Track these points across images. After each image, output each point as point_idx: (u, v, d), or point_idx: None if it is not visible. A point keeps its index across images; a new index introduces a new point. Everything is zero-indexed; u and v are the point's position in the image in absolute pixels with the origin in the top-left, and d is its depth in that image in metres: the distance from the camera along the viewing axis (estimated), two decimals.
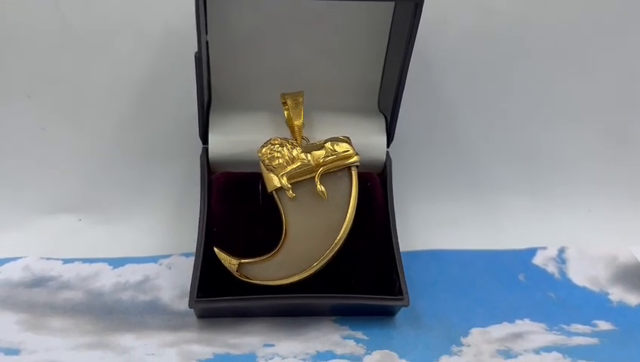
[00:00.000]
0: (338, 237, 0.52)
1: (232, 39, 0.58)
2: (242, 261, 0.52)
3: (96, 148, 0.63)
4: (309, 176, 0.53)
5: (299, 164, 0.53)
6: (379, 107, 0.63)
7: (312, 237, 0.53)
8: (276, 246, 0.53)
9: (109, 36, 0.60)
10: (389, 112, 0.59)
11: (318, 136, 0.58)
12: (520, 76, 0.65)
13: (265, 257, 0.53)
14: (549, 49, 0.64)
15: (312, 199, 0.53)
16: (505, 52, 0.64)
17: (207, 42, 0.56)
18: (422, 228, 0.65)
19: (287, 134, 0.57)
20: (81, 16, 0.59)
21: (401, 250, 0.56)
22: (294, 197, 0.53)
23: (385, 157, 0.60)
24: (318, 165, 0.53)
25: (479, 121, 0.66)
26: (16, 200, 0.63)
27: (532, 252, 0.66)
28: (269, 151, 0.53)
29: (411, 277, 0.57)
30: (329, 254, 0.52)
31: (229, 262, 0.52)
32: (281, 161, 0.53)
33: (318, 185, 0.53)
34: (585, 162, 0.68)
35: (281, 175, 0.53)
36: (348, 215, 0.53)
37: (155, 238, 0.62)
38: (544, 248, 0.66)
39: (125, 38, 0.60)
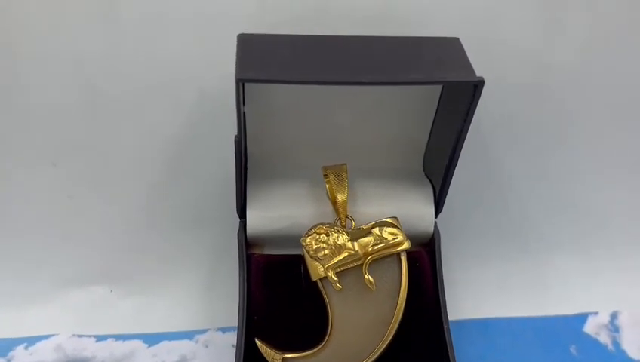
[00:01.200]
0: (388, 331, 0.50)
1: (270, 108, 0.54)
2: (286, 356, 0.50)
3: (125, 216, 0.60)
4: (355, 265, 0.50)
5: (346, 254, 0.50)
6: (424, 170, 0.59)
7: (360, 330, 0.50)
8: (321, 336, 0.50)
9: (138, 100, 0.56)
10: (439, 182, 0.55)
11: (362, 210, 0.54)
12: (573, 132, 0.61)
13: (310, 352, 0.50)
14: (603, 104, 0.60)
15: (360, 289, 0.50)
16: (558, 108, 0.60)
17: (244, 113, 0.52)
18: (469, 294, 0.62)
19: (329, 208, 0.54)
20: (107, 79, 0.55)
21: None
22: (341, 289, 0.50)
23: (433, 228, 0.57)
24: (366, 254, 0.50)
25: (528, 180, 0.63)
26: (44, 272, 0.60)
27: (583, 318, 0.63)
28: (314, 242, 0.50)
29: (459, 349, 0.54)
30: (378, 350, 0.49)
31: (272, 357, 0.50)
32: (327, 252, 0.50)
33: (366, 276, 0.50)
34: (638, 221, 0.65)
35: (327, 267, 0.49)
36: (398, 306, 0.50)
37: (189, 311, 0.60)
38: (595, 313, 0.63)
39: (155, 102, 0.56)
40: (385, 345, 0.50)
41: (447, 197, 0.58)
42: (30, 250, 0.60)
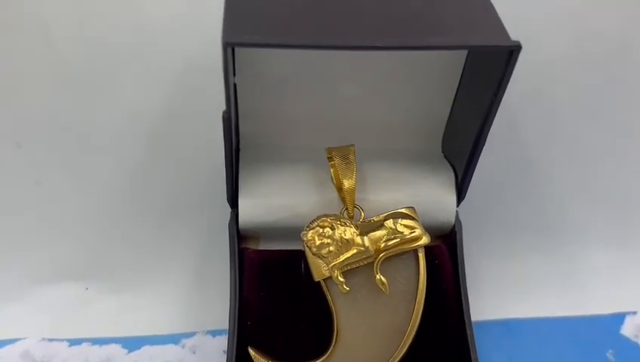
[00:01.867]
0: (403, 341, 0.44)
1: (264, 78, 0.48)
2: None
3: (102, 204, 0.55)
4: (365, 263, 0.44)
5: (354, 252, 0.43)
6: (443, 151, 0.52)
7: (370, 339, 0.44)
8: (325, 345, 0.44)
9: (116, 73, 0.51)
10: (462, 165, 0.48)
11: (372, 199, 0.48)
12: (611, 112, 0.55)
13: None
14: None
15: (370, 292, 0.44)
16: (597, 81, 0.54)
17: (235, 85, 0.45)
18: (493, 292, 0.57)
19: (333, 194, 0.47)
20: (79, 49, 0.49)
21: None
22: (348, 291, 0.43)
23: (454, 219, 0.50)
24: (378, 251, 0.43)
25: (560, 165, 0.58)
26: (11, 267, 0.55)
27: (620, 318, 0.57)
28: (316, 238, 0.43)
29: (481, 354, 0.48)
30: None
31: None
32: (332, 248, 0.43)
33: (378, 276, 0.43)
34: None
35: (332, 266, 0.43)
36: (415, 310, 0.44)
37: (175, 312, 0.55)
38: (634, 313, 0.58)
39: (135, 74, 0.51)
40: (400, 356, 0.44)
41: (471, 185, 0.51)
42: None
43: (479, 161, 0.53)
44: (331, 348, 0.44)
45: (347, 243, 0.43)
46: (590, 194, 0.58)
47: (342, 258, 0.43)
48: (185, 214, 0.55)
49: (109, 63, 0.49)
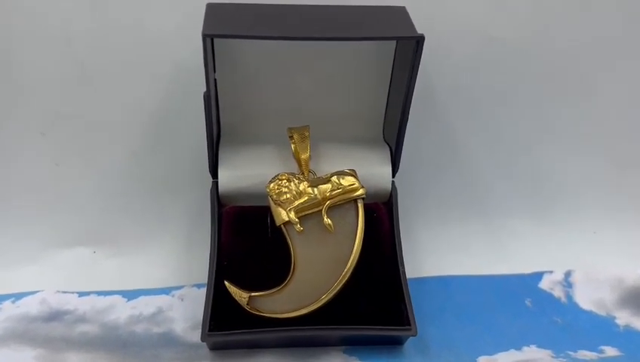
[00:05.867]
0: (345, 270, 0.54)
1: (239, 76, 0.60)
2: (252, 294, 0.54)
3: (109, 183, 0.64)
4: (316, 210, 0.55)
5: (306, 198, 0.54)
6: (384, 137, 0.64)
7: (320, 269, 0.54)
8: (285, 278, 0.54)
9: (121, 74, 0.61)
10: (394, 143, 0.60)
11: (325, 169, 0.59)
12: (523, 102, 0.66)
13: (274, 290, 0.54)
14: (551, 75, 0.65)
15: (320, 232, 0.55)
16: (507, 79, 0.65)
17: (215, 80, 0.58)
18: (430, 254, 0.66)
19: (295, 167, 0.59)
20: (93, 55, 0.60)
21: (410, 277, 0.58)
22: (302, 230, 0.54)
23: (391, 187, 0.61)
24: (325, 199, 0.55)
25: (484, 148, 0.68)
26: (32, 234, 0.64)
27: (539, 276, 0.67)
28: (276, 187, 0.54)
29: (420, 303, 0.59)
30: (337, 286, 0.53)
31: (240, 295, 0.54)
32: (288, 195, 0.54)
33: (325, 219, 0.54)
34: (590, 186, 0.69)
35: (289, 209, 0.54)
36: (355, 247, 0.54)
37: (167, 270, 0.64)
38: (550, 272, 0.67)
39: (136, 76, 0.61)
40: (342, 284, 0.53)
41: (411, 164, 0.63)
42: (19, 214, 0.64)
43: (418, 148, 0.66)
44: (289, 276, 0.54)
45: (301, 193, 0.55)
46: (509, 172, 0.68)
47: (296, 203, 0.54)
48: (176, 191, 0.65)
49: (114, 68, 0.60)
